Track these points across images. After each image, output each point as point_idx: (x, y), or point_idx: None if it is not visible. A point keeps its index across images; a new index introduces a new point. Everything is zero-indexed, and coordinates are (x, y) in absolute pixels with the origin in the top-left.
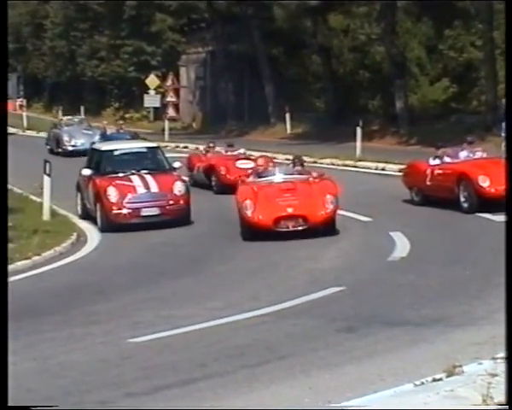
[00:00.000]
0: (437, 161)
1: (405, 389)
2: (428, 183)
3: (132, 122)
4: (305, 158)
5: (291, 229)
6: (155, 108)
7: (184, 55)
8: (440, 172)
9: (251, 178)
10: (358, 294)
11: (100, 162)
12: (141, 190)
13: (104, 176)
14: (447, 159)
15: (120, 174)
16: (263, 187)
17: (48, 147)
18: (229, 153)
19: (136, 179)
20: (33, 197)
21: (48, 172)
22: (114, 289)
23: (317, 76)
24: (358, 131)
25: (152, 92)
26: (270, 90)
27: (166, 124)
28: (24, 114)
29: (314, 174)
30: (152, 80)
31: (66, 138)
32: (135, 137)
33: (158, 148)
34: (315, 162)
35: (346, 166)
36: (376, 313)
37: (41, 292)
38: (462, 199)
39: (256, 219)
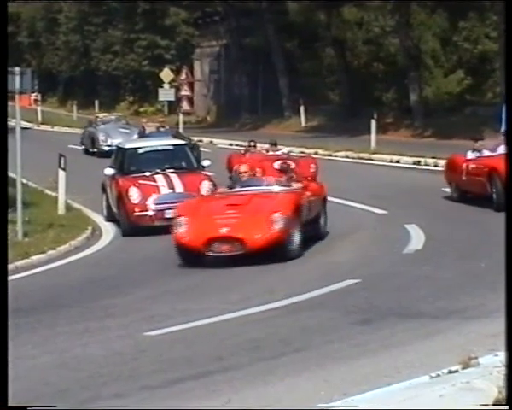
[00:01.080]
0: (474, 155)
1: (421, 382)
2: (464, 178)
3: (147, 116)
4: (319, 151)
5: (224, 254)
6: (170, 102)
7: (198, 48)
8: (474, 166)
9: (221, 189)
10: (373, 286)
11: (123, 161)
12: (165, 190)
13: (127, 175)
14: (486, 152)
15: (145, 174)
16: (211, 200)
17: (82, 146)
18: (270, 153)
19: (160, 179)
20: (48, 192)
21: (63, 166)
22: (130, 283)
23: (331, 69)
24: (373, 123)
25: (166, 86)
26: (284, 83)
27: (181, 118)
28: (38, 108)
29: (296, 185)
30: (166, 74)
31: (101, 137)
32: (175, 136)
33: (186, 145)
34: (329, 155)
35: (361, 158)
36: (391, 306)
37: (56, 286)
38: (494, 196)
39: (184, 239)
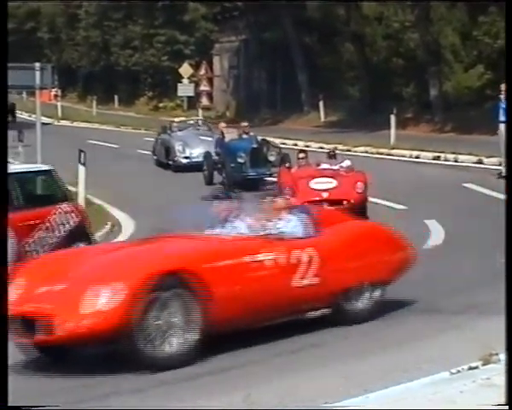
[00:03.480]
0: None
1: (441, 377)
2: None
3: (166, 111)
4: (338, 146)
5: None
6: (189, 97)
7: (217, 43)
8: None
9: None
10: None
11: None
12: None
13: None
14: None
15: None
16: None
17: (154, 157)
18: (322, 166)
19: None
20: (68, 187)
21: (83, 161)
22: None
23: (351, 64)
24: (392, 118)
25: (185, 81)
26: (303, 78)
27: (200, 113)
28: (58, 103)
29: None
30: (185, 69)
31: (178, 147)
32: (262, 144)
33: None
34: (348, 150)
35: (380, 154)
36: (411, 301)
37: None
38: None
39: None
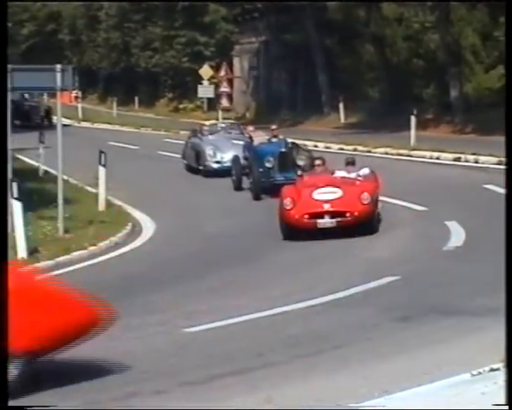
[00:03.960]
0: None
1: (462, 379)
2: None
3: (186, 113)
4: (359, 147)
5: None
6: (209, 99)
7: (238, 45)
8: None
9: None
10: (414, 283)
11: None
12: None
13: None
14: None
15: None
16: None
17: (184, 162)
18: (337, 174)
19: None
20: (89, 188)
21: (103, 162)
22: (170, 279)
23: (371, 65)
24: (413, 119)
25: (206, 83)
26: (323, 79)
27: (220, 114)
28: (79, 105)
29: None
30: (206, 71)
31: (209, 152)
32: (291, 148)
33: None
34: (369, 152)
35: (401, 155)
36: (432, 303)
37: (97, 282)
38: None
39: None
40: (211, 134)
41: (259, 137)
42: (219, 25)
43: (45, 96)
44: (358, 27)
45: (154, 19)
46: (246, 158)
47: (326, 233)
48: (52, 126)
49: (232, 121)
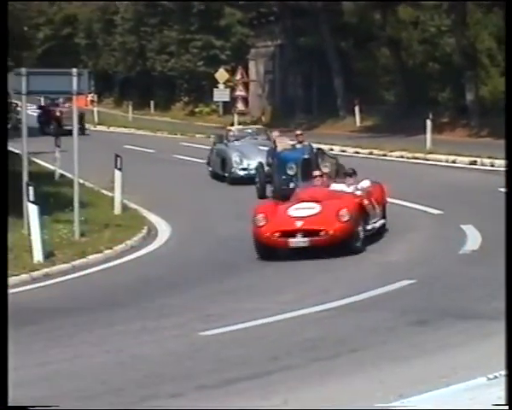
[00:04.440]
0: None
1: (478, 383)
2: None
3: (202, 116)
4: (374, 151)
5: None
6: (225, 102)
7: (253, 48)
8: None
9: None
10: (429, 287)
11: None
12: None
13: None
14: None
15: None
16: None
17: (209, 169)
18: (333, 187)
19: None
20: (105, 192)
21: (119, 166)
22: (185, 283)
23: (387, 69)
24: (428, 123)
25: (221, 86)
26: (339, 83)
27: (236, 118)
28: (95, 109)
29: None
30: (221, 74)
31: (235, 158)
32: (315, 154)
33: None
34: (384, 155)
35: (416, 158)
36: (448, 307)
37: (113, 285)
38: None
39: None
40: (237, 140)
41: (283, 143)
42: (235, 28)
43: (61, 100)
44: (374, 31)
45: (169, 22)
46: (269, 164)
47: (300, 253)
48: (84, 134)
49: (259, 126)
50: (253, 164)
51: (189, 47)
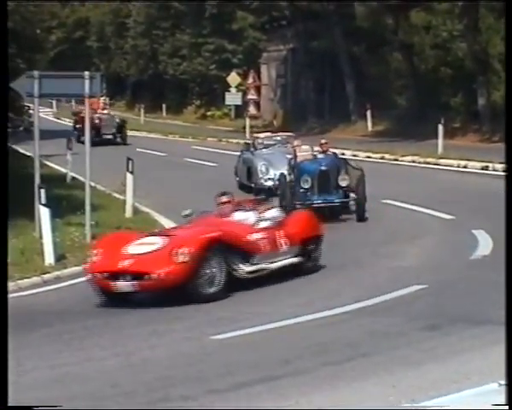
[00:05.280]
0: None
1: (490, 389)
2: None
3: (213, 120)
4: (386, 155)
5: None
6: (236, 106)
7: (265, 52)
8: None
9: None
10: (441, 292)
11: None
12: None
13: None
14: None
15: None
16: None
17: (236, 179)
18: (234, 216)
19: None
20: (116, 195)
21: (131, 169)
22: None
23: (399, 73)
24: (440, 128)
25: (233, 90)
26: (350, 87)
27: (247, 121)
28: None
29: None
30: (233, 78)
31: (261, 168)
32: (336, 166)
33: None
34: (396, 160)
35: (428, 163)
36: (459, 312)
37: None
38: None
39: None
40: (265, 148)
41: (304, 153)
42: (247, 32)
43: (73, 104)
44: (386, 35)
45: (182, 26)
46: (290, 175)
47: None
48: (126, 143)
49: (289, 133)
50: (279, 174)
51: (201, 50)
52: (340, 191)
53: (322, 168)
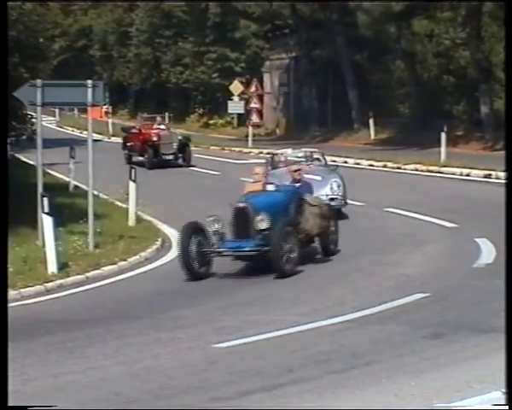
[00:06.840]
0: None
1: (493, 397)
2: None
3: (216, 128)
4: (388, 164)
5: None
6: (239, 115)
7: (268, 61)
8: None
9: None
10: (444, 300)
11: None
12: None
13: None
14: None
15: None
16: None
17: None
18: None
19: None
20: (119, 203)
21: (133, 178)
22: (200, 295)
23: (401, 81)
24: (443, 136)
25: (236, 98)
26: (353, 95)
27: (250, 130)
28: (109, 120)
29: None
30: (236, 86)
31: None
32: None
33: None
34: (398, 168)
35: (431, 171)
36: (463, 320)
37: (127, 297)
38: None
39: None
40: (286, 165)
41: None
42: (250, 41)
43: (75, 112)
44: (389, 43)
45: (184, 34)
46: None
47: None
48: (190, 165)
49: (314, 149)
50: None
51: (203, 59)
52: (258, 237)
53: (240, 205)
